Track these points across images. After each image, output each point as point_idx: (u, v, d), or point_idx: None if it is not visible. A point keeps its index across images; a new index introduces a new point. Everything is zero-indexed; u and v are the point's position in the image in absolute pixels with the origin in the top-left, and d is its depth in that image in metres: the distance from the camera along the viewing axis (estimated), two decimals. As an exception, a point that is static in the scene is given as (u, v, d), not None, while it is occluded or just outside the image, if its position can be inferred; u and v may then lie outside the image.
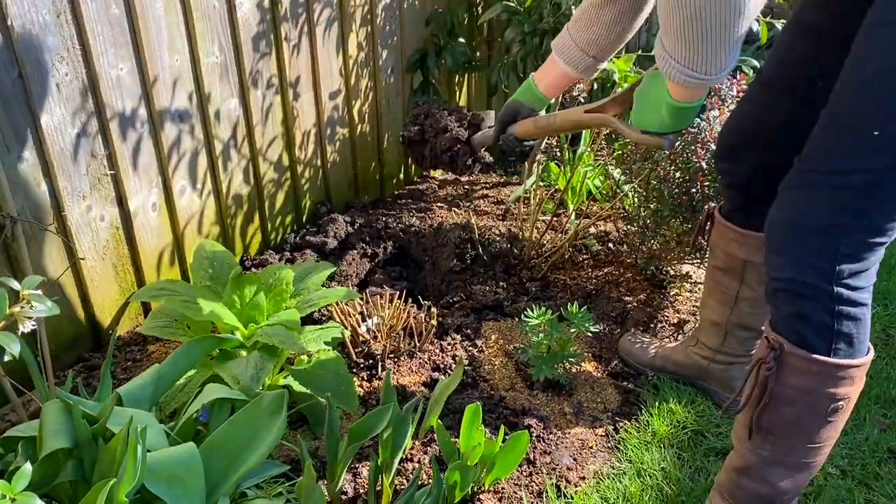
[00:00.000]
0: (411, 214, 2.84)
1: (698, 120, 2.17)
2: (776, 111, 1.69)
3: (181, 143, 2.19)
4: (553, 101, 2.08)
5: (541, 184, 3.05)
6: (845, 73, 1.35)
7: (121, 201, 2.08)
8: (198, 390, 1.75)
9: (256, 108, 2.41)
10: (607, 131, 2.78)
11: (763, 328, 2.01)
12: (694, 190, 2.16)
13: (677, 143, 2.21)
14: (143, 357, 2.10)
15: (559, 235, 2.74)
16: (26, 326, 1.24)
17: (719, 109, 2.18)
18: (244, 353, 1.85)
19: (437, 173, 3.44)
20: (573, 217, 2.80)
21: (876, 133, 1.28)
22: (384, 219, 2.81)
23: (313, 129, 2.67)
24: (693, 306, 2.53)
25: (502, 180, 3.35)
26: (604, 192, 2.91)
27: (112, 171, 2.02)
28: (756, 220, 1.83)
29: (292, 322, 1.83)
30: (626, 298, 2.52)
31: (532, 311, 2.15)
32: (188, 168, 2.24)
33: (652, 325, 2.42)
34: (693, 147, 2.16)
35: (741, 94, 2.23)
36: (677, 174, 2.20)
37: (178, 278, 2.33)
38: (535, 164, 3.28)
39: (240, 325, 1.89)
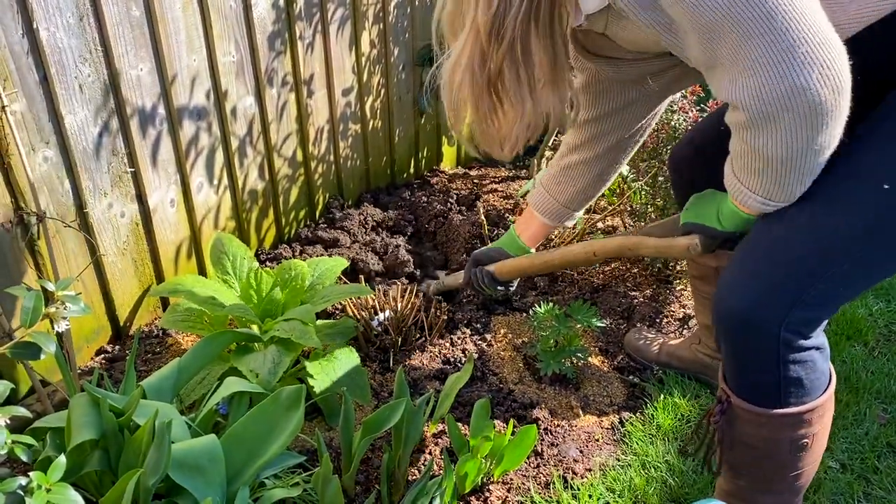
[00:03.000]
0: (422, 209, 2.89)
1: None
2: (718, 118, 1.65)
3: (199, 139, 2.25)
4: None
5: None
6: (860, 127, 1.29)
7: (140, 198, 2.13)
8: (216, 383, 1.82)
9: (271, 105, 2.45)
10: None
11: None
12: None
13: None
14: (163, 350, 2.16)
15: (567, 231, 2.78)
16: (61, 326, 1.30)
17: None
18: (261, 346, 1.91)
19: (447, 167, 3.48)
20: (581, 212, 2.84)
21: (887, 187, 1.24)
22: (395, 212, 2.86)
23: (326, 125, 2.72)
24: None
25: (511, 174, 3.40)
26: (612, 188, 2.95)
27: (132, 169, 2.08)
28: None
29: (308, 317, 1.88)
30: (633, 294, 2.57)
31: (540, 306, 2.20)
32: (205, 164, 2.30)
33: (658, 321, 2.47)
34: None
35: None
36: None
37: (196, 272, 2.39)
38: (544, 159, 3.32)
39: (257, 320, 1.95)
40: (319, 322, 2.09)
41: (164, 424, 1.32)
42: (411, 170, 3.25)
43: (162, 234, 2.22)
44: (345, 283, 2.41)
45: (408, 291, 2.30)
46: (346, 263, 2.20)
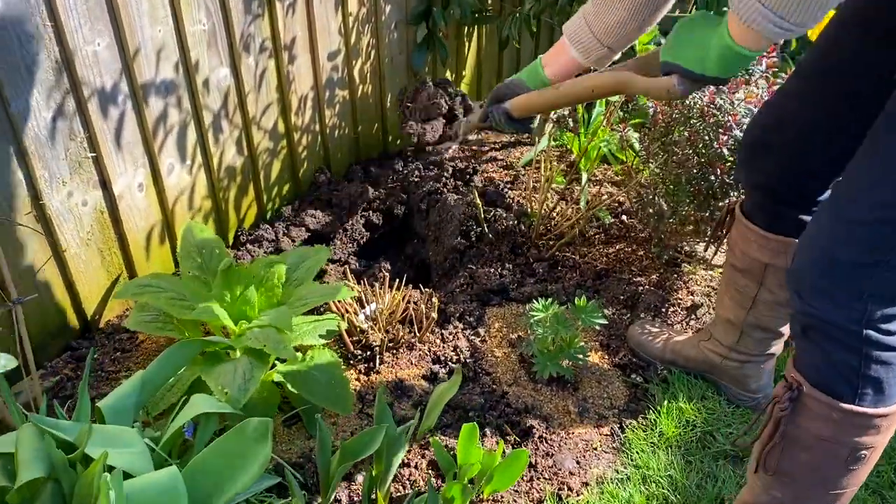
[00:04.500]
0: (414, 184, 2.70)
1: (721, 101, 2.01)
2: (814, 109, 1.53)
3: (167, 117, 2.06)
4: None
5: (552, 143, 2.90)
6: None
7: (104, 184, 1.96)
8: (185, 395, 1.69)
9: (248, 74, 2.25)
10: (622, 100, 2.61)
11: (782, 329, 1.91)
12: (713, 178, 2.01)
13: (699, 127, 2.05)
14: (133, 347, 2.02)
15: (570, 206, 2.61)
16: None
17: (744, 90, 2.01)
18: (233, 354, 1.77)
19: (444, 130, 3.28)
20: (585, 186, 2.65)
21: None
22: (386, 187, 2.69)
23: (311, 92, 2.51)
24: (707, 287, 2.42)
25: (513, 139, 3.19)
26: (621, 158, 2.76)
27: (93, 154, 1.90)
28: (782, 223, 1.70)
29: (284, 322, 1.73)
30: (638, 279, 2.41)
31: (538, 301, 2.05)
32: (176, 143, 2.11)
33: (664, 310, 2.32)
34: (714, 131, 2.00)
35: (772, 76, 2.06)
36: (696, 157, 2.05)
37: (170, 258, 2.23)
38: (548, 123, 3.11)
39: (230, 323, 1.80)
40: (298, 319, 1.94)
41: (109, 480, 1.18)
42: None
43: (130, 222, 2.06)
44: (324, 282, 2.25)
45: (397, 285, 2.15)
46: (327, 254, 2.04)
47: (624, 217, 2.68)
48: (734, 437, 1.80)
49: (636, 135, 2.44)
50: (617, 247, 2.55)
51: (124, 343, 2.03)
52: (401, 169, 2.78)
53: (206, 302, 1.83)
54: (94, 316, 2.06)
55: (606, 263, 2.48)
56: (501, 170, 2.91)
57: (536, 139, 3.02)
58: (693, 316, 2.33)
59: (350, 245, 2.53)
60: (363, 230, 2.55)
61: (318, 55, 2.46)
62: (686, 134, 2.05)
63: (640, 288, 2.36)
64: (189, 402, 1.54)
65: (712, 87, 2.16)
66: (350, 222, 2.53)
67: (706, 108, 2.01)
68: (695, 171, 2.01)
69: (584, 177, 2.78)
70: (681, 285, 2.42)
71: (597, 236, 2.58)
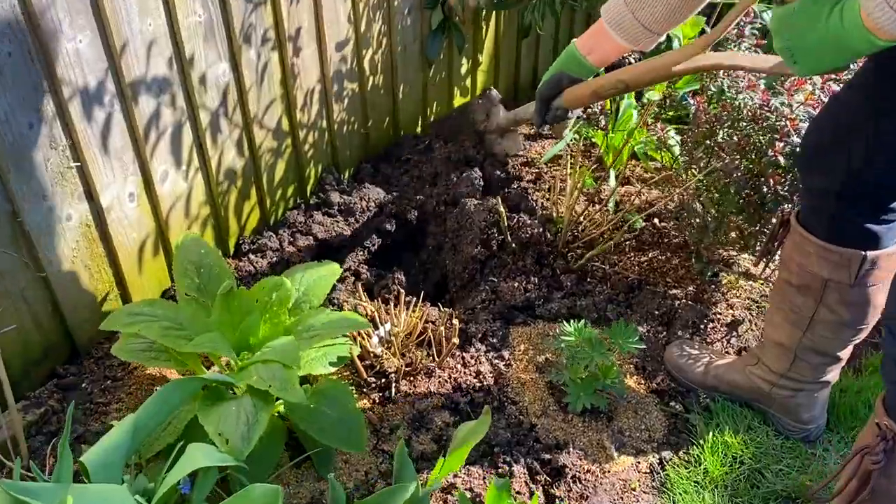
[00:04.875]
0: (429, 183, 2.50)
1: (777, 104, 1.80)
2: (865, 119, 1.36)
3: (160, 118, 1.85)
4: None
5: (576, 137, 2.69)
6: None
7: (91, 196, 1.76)
8: (181, 437, 1.52)
9: (249, 68, 2.04)
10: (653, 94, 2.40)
11: (841, 354, 1.73)
12: (765, 188, 1.81)
13: (749, 130, 1.85)
14: (125, 374, 1.84)
15: (597, 209, 2.40)
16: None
17: (803, 90, 1.81)
18: (235, 390, 1.59)
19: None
20: (615, 188, 2.45)
21: None
22: (399, 188, 2.49)
23: (317, 86, 2.30)
24: (748, 299, 2.24)
25: (533, 131, 2.98)
26: (653, 156, 2.56)
27: (77, 163, 1.70)
28: (845, 233, 1.51)
29: (290, 357, 1.55)
30: (674, 292, 2.22)
31: (567, 323, 1.87)
32: (170, 146, 1.91)
33: (702, 326, 2.13)
34: (767, 136, 1.80)
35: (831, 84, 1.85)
36: (746, 164, 1.84)
37: (165, 270, 2.04)
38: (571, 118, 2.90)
39: (231, 356, 1.61)
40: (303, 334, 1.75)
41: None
42: (418, 129, 2.84)
43: (120, 234, 1.86)
44: (334, 299, 2.07)
45: (413, 303, 1.96)
46: (338, 271, 1.84)
47: (656, 220, 2.48)
48: (811, 494, 1.62)
49: (677, 137, 2.23)
50: (650, 254, 2.36)
51: (115, 370, 1.85)
52: (414, 164, 2.57)
53: (205, 329, 1.65)
54: (83, 338, 1.88)
55: (639, 273, 2.28)
56: (522, 167, 2.70)
57: (563, 133, 2.82)
58: (734, 333, 2.14)
59: (360, 252, 2.33)
60: (374, 237, 2.35)
61: (326, 45, 2.25)
62: (735, 138, 1.84)
63: (677, 302, 2.17)
64: (185, 454, 1.36)
65: (763, 85, 1.96)
66: (360, 229, 2.33)
67: (758, 111, 1.80)
68: (744, 180, 1.80)
69: (613, 176, 2.58)
70: (719, 298, 2.23)
71: (627, 243, 2.38)
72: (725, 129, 1.93)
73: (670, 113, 2.49)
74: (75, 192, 1.72)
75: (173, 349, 1.62)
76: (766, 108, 1.78)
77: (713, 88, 2.00)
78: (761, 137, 1.78)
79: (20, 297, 1.69)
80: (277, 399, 1.65)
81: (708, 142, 1.97)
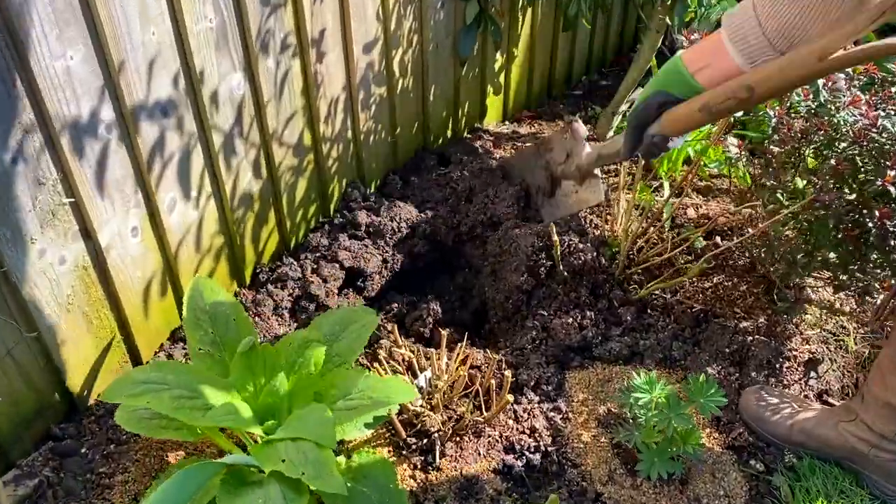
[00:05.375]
0: (465, 198, 2.24)
1: (888, 125, 1.54)
2: None
3: (165, 143, 1.60)
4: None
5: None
6: None
7: (87, 234, 1.52)
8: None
9: (267, 80, 1.78)
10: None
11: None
12: (870, 223, 1.55)
13: (850, 154, 1.59)
14: (130, 437, 1.60)
15: (650, 224, 2.14)
16: None
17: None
18: (260, 474, 1.35)
19: (491, 124, 2.81)
20: (670, 203, 2.19)
21: None
22: (431, 204, 2.23)
23: (342, 94, 2.04)
24: (824, 332, 1.99)
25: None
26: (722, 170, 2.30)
27: (70, 199, 1.45)
28: None
29: (325, 435, 1.31)
30: (744, 325, 1.97)
31: (636, 373, 1.63)
32: (178, 173, 1.66)
33: (777, 366, 1.89)
34: (873, 161, 1.54)
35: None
36: (847, 193, 1.59)
37: (174, 310, 1.80)
38: (617, 116, 2.64)
39: (255, 428, 1.38)
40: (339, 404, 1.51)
41: None
42: (448, 132, 2.58)
43: (123, 275, 1.62)
44: (368, 352, 1.82)
45: (458, 349, 1.72)
46: (375, 322, 1.60)
47: (718, 238, 2.23)
48: None
49: (735, 143, 1.95)
50: (714, 279, 2.10)
51: (119, 431, 1.61)
52: (447, 175, 2.32)
53: (223, 394, 1.41)
54: (81, 392, 1.64)
55: (704, 303, 2.03)
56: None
57: (606, 127, 2.56)
58: (813, 374, 1.90)
59: (390, 277, 2.09)
60: (405, 259, 2.11)
61: (352, 48, 1.98)
62: (833, 162, 1.58)
63: (748, 338, 1.92)
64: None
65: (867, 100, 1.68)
66: (391, 252, 2.09)
67: (863, 131, 1.54)
68: (846, 212, 1.55)
69: (667, 187, 2.32)
70: (793, 330, 1.99)
71: (689, 265, 2.13)
72: (816, 150, 1.67)
73: (748, 126, 2.22)
74: (69, 231, 1.48)
75: (187, 422, 1.38)
76: (875, 129, 1.51)
77: (799, 101, 1.73)
78: (870, 163, 1.52)
79: (6, 356, 1.45)
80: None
81: (793, 163, 1.71)
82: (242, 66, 1.71)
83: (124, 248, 1.60)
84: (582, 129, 1.99)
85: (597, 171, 1.95)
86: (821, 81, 1.63)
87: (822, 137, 1.62)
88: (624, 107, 2.61)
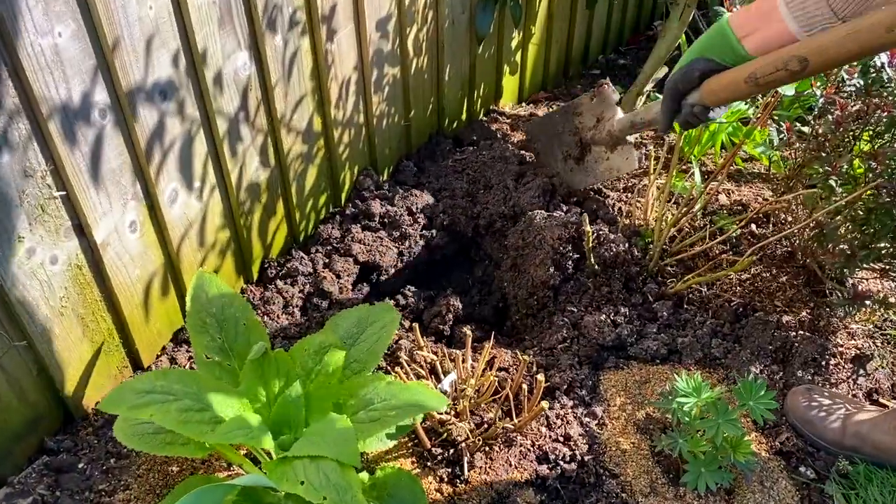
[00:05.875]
0: (483, 185, 2.10)
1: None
2: None
3: (165, 129, 1.46)
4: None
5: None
6: None
7: (81, 230, 1.38)
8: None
9: (275, 60, 1.64)
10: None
11: None
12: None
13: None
14: (132, 452, 1.48)
15: (684, 213, 2.00)
16: None
17: None
18: (276, 493, 1.23)
19: (507, 105, 2.66)
20: (702, 190, 2.05)
21: None
22: (449, 192, 2.10)
23: (354, 74, 1.90)
24: (870, 326, 1.86)
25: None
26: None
27: (62, 192, 1.31)
28: None
29: (347, 453, 1.18)
30: (786, 319, 1.84)
31: (680, 376, 1.50)
32: (179, 162, 1.52)
33: (823, 364, 1.76)
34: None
35: None
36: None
37: (178, 310, 1.67)
38: (641, 97, 2.50)
39: (269, 444, 1.25)
40: (360, 415, 1.38)
41: None
42: (463, 115, 2.44)
43: (121, 274, 1.49)
44: (387, 355, 1.69)
45: (485, 350, 1.59)
46: (398, 319, 1.46)
47: (753, 226, 2.10)
48: None
49: (776, 129, 1.81)
50: (753, 271, 1.97)
51: (120, 444, 1.48)
52: (462, 161, 2.18)
53: (234, 405, 1.28)
54: (78, 402, 1.52)
55: (742, 296, 1.91)
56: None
57: (631, 106, 2.41)
58: (862, 371, 1.77)
59: (406, 270, 1.96)
60: (423, 252, 1.98)
61: (364, 24, 1.84)
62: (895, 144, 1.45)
63: (792, 333, 1.80)
64: None
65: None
66: (407, 244, 1.95)
67: (932, 111, 1.40)
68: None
69: (698, 172, 2.19)
70: (837, 324, 1.86)
71: (725, 256, 2.00)
72: (875, 132, 1.54)
73: (791, 109, 2.07)
74: (61, 227, 1.34)
75: (195, 439, 1.25)
76: (946, 110, 1.38)
77: (852, 79, 1.59)
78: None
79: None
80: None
81: (846, 144, 1.57)
82: (248, 45, 1.57)
83: (122, 245, 1.47)
84: (612, 92, 1.91)
85: (629, 138, 1.88)
86: (884, 56, 1.49)
87: (883, 118, 1.48)
88: (649, 86, 2.47)
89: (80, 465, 1.45)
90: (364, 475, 1.36)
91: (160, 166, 1.48)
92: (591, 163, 2.01)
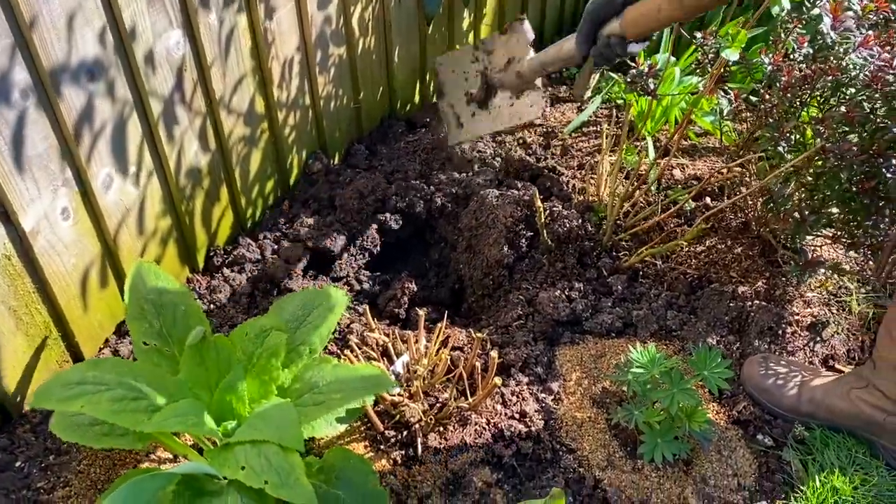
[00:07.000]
0: (437, 167, 2.07)
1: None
2: None
3: (95, 111, 1.41)
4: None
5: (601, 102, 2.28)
6: None
7: (7, 217, 1.32)
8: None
9: (211, 38, 1.59)
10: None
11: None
12: (887, 173, 1.41)
13: (860, 99, 1.45)
14: (73, 446, 1.42)
15: (637, 187, 1.99)
16: None
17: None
18: (219, 481, 1.19)
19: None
20: (655, 164, 2.04)
21: None
22: (398, 172, 2.06)
23: (297, 55, 1.85)
24: (827, 294, 1.86)
25: (549, 94, 2.55)
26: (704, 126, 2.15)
27: (-18, 178, 1.26)
28: None
29: (290, 436, 1.14)
30: (742, 290, 1.83)
31: (635, 348, 1.48)
32: (112, 147, 1.47)
33: (779, 332, 1.76)
34: (888, 103, 1.40)
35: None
36: (858, 142, 1.44)
37: (118, 300, 1.62)
38: (594, 75, 2.48)
39: (211, 431, 1.21)
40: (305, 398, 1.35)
41: None
42: (416, 98, 2.40)
43: (54, 263, 1.43)
44: (338, 337, 1.65)
45: (437, 329, 1.55)
46: (345, 302, 1.42)
47: (707, 199, 2.09)
48: None
49: (725, 100, 1.80)
50: (707, 243, 1.97)
51: (59, 440, 1.43)
52: (416, 143, 2.14)
53: (173, 392, 1.24)
54: (14, 399, 1.46)
55: (698, 269, 1.90)
56: (541, 136, 2.28)
57: (579, 89, 2.39)
58: (818, 338, 1.77)
59: (360, 256, 1.92)
60: (376, 236, 1.94)
61: (305, 3, 1.79)
62: (844, 108, 1.44)
63: (748, 303, 1.79)
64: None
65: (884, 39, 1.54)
66: (359, 228, 1.91)
67: (877, 73, 1.39)
68: (858, 162, 1.41)
69: (651, 147, 2.17)
70: (793, 293, 1.86)
71: (679, 229, 1.99)
72: (821, 97, 1.53)
73: (739, 84, 2.06)
74: (-16, 216, 1.29)
75: (131, 428, 1.20)
76: (891, 69, 1.37)
77: (795, 45, 1.58)
78: (884, 109, 1.38)
79: (-80, 360, 1.26)
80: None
81: (793, 111, 1.57)
82: (181, 23, 1.51)
83: (54, 233, 1.41)
84: (528, 29, 1.72)
85: (538, 82, 1.72)
86: (827, 22, 1.48)
87: (828, 83, 1.47)
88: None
89: (18, 464, 1.40)
90: (312, 459, 1.32)
91: (91, 150, 1.42)
92: (492, 108, 1.86)
